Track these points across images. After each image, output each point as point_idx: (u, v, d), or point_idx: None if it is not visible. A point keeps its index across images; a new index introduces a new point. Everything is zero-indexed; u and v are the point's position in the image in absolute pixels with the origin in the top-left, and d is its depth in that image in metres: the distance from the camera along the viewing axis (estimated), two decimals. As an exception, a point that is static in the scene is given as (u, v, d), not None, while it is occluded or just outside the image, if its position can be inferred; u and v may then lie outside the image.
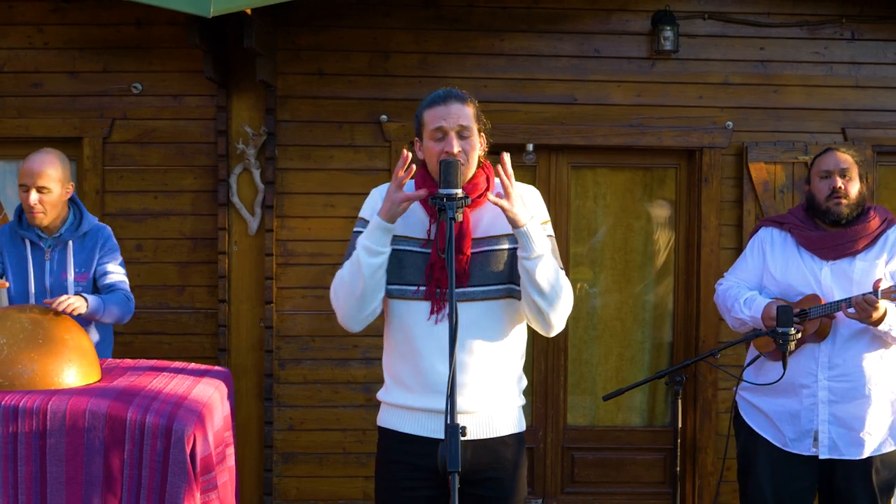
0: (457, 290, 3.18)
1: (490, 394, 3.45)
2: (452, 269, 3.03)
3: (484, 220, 3.44)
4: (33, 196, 4.66)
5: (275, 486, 6.42)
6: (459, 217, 3.13)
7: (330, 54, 6.41)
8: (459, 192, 3.14)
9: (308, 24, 6.36)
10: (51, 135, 6.28)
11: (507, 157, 3.36)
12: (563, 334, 6.58)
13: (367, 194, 6.17)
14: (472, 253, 3.38)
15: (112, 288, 4.80)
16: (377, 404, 6.14)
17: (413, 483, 3.47)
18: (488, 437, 3.44)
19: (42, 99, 6.34)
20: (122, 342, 6.16)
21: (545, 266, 3.31)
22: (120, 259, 4.92)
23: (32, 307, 4.16)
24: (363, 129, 6.44)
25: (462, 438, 2.86)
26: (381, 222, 3.32)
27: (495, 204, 3.26)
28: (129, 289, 4.88)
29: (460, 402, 3.19)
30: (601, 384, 6.81)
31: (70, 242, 4.79)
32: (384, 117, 6.40)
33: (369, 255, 3.34)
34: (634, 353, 6.89)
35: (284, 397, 6.43)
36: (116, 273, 4.85)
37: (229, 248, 6.35)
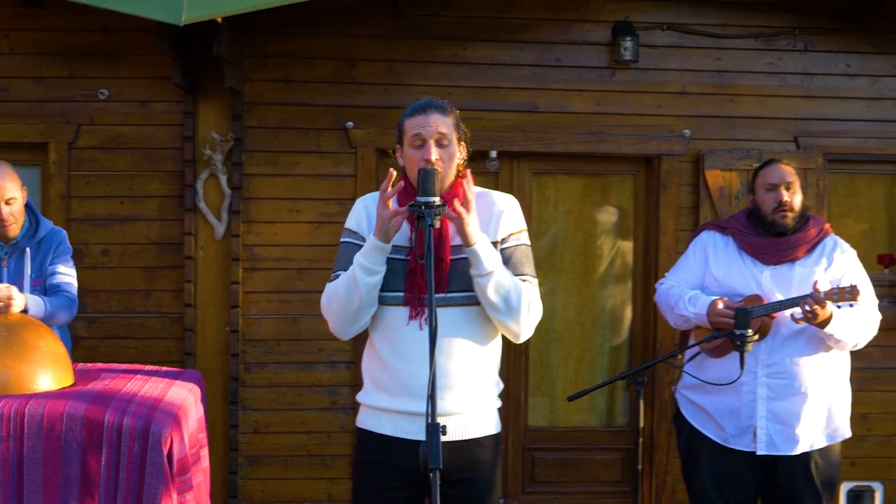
0: (436, 296, 3.27)
1: (468, 397, 3.55)
2: (431, 274, 3.13)
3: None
4: (5, 210, 4.69)
5: (240, 489, 6.48)
6: (437, 224, 3.22)
7: (296, 61, 6.48)
8: (437, 200, 3.22)
9: (275, 31, 6.43)
10: (17, 140, 6.33)
11: (469, 174, 3.47)
12: (524, 336, 6.70)
13: (332, 200, 6.33)
14: (451, 259, 3.48)
15: (58, 288, 4.82)
16: (341, 407, 6.28)
17: (391, 484, 3.56)
18: (466, 438, 3.54)
19: (8, 104, 6.35)
20: (88, 346, 6.24)
21: (497, 282, 3.43)
22: (71, 262, 4.91)
23: (5, 315, 4.22)
24: (329, 136, 6.51)
25: (441, 439, 2.96)
26: (377, 242, 3.41)
27: (457, 213, 3.36)
28: (74, 291, 4.89)
29: (440, 404, 3.26)
30: (561, 386, 6.93)
31: (27, 249, 4.82)
32: (350, 124, 6.48)
33: (367, 274, 3.44)
34: (594, 356, 7.02)
35: (250, 400, 6.49)
36: (64, 274, 4.84)
37: (196, 252, 6.40)
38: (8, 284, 4.44)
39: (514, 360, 6.79)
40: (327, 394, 6.50)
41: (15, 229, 4.75)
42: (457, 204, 3.37)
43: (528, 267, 3.62)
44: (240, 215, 6.42)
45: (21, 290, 4.66)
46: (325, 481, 6.54)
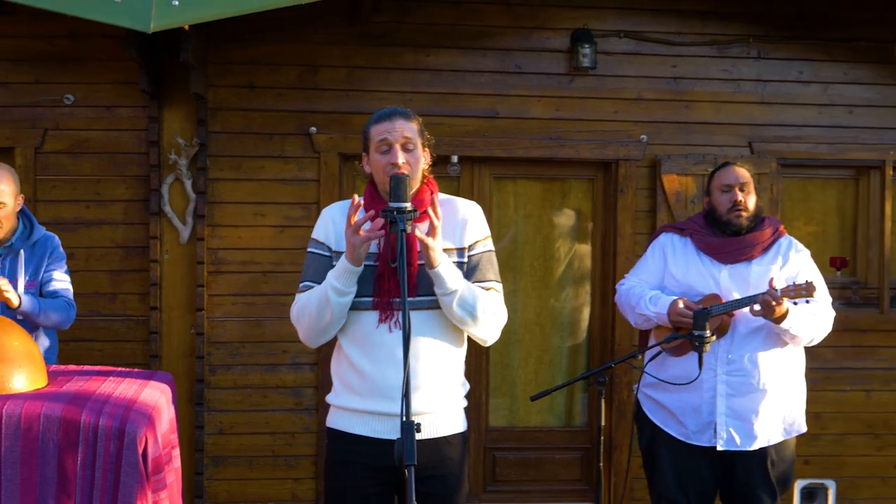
0: (409, 300, 3.38)
1: (436, 396, 3.65)
2: (404, 277, 3.21)
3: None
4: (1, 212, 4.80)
5: (205, 489, 6.53)
6: (409, 229, 3.31)
7: (260, 68, 6.53)
8: (408, 205, 3.32)
9: (239, 38, 6.48)
10: (-17, 144, 6.35)
11: (435, 192, 3.59)
12: (485, 338, 6.79)
13: (296, 204, 6.41)
14: (419, 264, 3.56)
15: (55, 294, 4.95)
16: (305, 408, 6.35)
17: (363, 482, 3.65)
18: (434, 437, 3.63)
19: None
20: (53, 349, 6.28)
21: (461, 297, 3.53)
22: (65, 267, 5.07)
23: (-19, 316, 4.28)
24: (293, 141, 6.57)
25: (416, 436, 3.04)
26: (349, 266, 3.49)
27: (421, 241, 3.45)
28: (71, 296, 5.04)
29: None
30: (521, 387, 7.03)
31: (21, 251, 4.92)
32: (313, 129, 6.54)
33: (339, 295, 3.53)
34: (553, 357, 7.13)
35: (215, 402, 6.54)
36: (60, 280, 5.00)
37: (161, 256, 6.45)
38: (1, 277, 4.59)
39: (475, 361, 6.86)
40: (292, 395, 6.56)
41: (1, 232, 4.84)
42: (418, 232, 3.43)
43: (493, 272, 3.73)
44: (204, 219, 6.46)
45: (15, 289, 4.79)
46: (290, 481, 6.60)
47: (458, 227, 3.71)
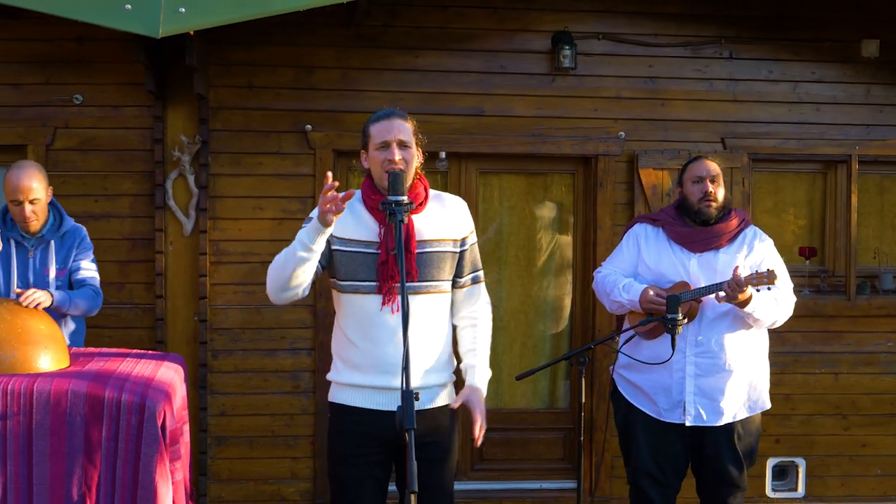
0: (408, 284, 3.76)
1: (430, 371, 4.00)
2: (402, 262, 3.53)
3: (426, 225, 3.96)
4: (28, 209, 5.12)
5: (209, 467, 6.75)
6: (406, 220, 3.64)
7: (259, 69, 6.73)
8: (405, 198, 3.66)
9: (239, 41, 6.65)
10: (-3, 142, 6.55)
11: (481, 427, 4.07)
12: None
13: (293, 198, 6.71)
14: (417, 252, 3.90)
15: (83, 283, 5.26)
16: (303, 391, 6.62)
17: (364, 450, 3.98)
18: (428, 407, 3.97)
19: None
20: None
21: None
22: (92, 257, 5.36)
23: (10, 300, 4.61)
24: (289, 138, 6.76)
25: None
26: (317, 225, 3.76)
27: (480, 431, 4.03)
28: (98, 284, 5.34)
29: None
30: (507, 371, 7.18)
31: (52, 242, 5.24)
32: (309, 127, 6.75)
33: (303, 249, 3.81)
34: (536, 342, 7.34)
35: (217, 385, 6.75)
36: (88, 269, 5.29)
37: (165, 247, 6.63)
38: (35, 289, 4.82)
39: None
40: (290, 378, 6.77)
41: (36, 225, 5.17)
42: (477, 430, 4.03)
43: (480, 262, 4.15)
44: (206, 212, 6.65)
45: (47, 278, 5.08)
46: (289, 460, 6.82)
47: (452, 221, 4.07)
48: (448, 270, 4.03)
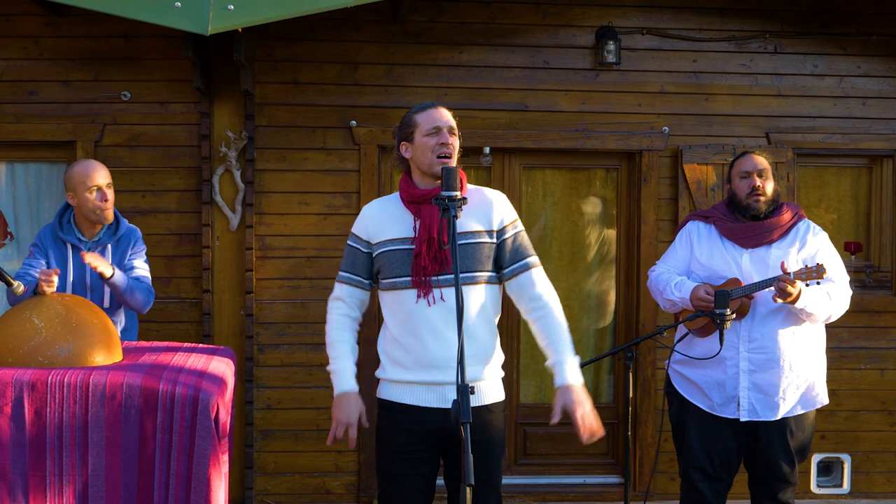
0: (444, 277, 3.78)
1: (476, 367, 3.96)
2: (456, 257, 3.50)
3: (462, 217, 3.91)
4: (109, 193, 5.21)
5: (255, 461, 6.81)
6: (459, 215, 3.62)
7: (304, 65, 6.78)
8: (458, 193, 3.65)
9: (284, 37, 6.73)
10: (46, 139, 6.65)
11: (582, 423, 4.01)
12: (516, 319, 7.04)
13: (338, 193, 6.70)
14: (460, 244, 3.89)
15: (137, 281, 5.32)
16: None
17: (411, 447, 3.98)
18: (476, 405, 3.84)
19: (38, 105, 6.65)
20: (113, 330, 6.60)
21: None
22: (145, 257, 5.39)
23: (64, 295, 4.66)
24: (334, 134, 6.82)
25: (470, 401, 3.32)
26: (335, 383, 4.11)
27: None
28: (150, 283, 5.38)
29: (451, 375, 3.66)
30: None
31: (108, 245, 5.28)
32: (353, 123, 6.80)
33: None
34: (580, 337, 7.33)
35: (263, 379, 6.81)
36: (141, 268, 5.32)
37: (212, 242, 6.70)
38: (56, 269, 4.88)
39: (507, 342, 7.04)
40: None
41: (110, 214, 5.22)
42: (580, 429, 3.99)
43: (531, 248, 4.11)
44: (253, 208, 6.72)
45: (104, 282, 5.14)
46: (334, 454, 6.86)
47: (485, 211, 4.04)
48: (486, 262, 3.99)
